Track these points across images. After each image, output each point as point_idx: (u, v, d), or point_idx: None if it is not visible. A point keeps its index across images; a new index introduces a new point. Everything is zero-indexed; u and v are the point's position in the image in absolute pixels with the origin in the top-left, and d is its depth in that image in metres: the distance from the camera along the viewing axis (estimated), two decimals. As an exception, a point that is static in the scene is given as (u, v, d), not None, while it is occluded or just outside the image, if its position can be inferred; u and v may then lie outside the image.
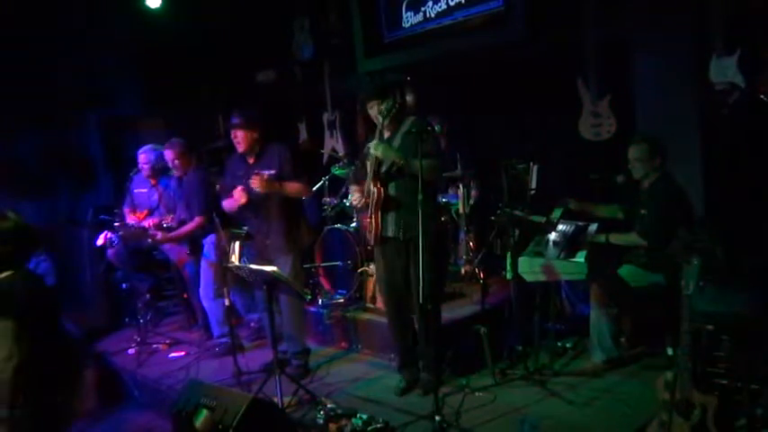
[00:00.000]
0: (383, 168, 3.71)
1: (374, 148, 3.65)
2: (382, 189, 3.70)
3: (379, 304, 4.72)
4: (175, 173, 5.18)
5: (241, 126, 4.20)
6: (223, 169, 4.67)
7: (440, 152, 3.82)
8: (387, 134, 3.80)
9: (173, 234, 5.04)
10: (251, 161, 4.29)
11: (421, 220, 3.35)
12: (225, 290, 4.35)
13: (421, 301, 3.35)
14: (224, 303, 4.51)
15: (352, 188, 4.04)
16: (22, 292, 2.98)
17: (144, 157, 5.32)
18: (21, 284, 3.00)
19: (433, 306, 3.68)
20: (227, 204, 4.30)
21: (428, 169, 3.49)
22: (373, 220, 3.74)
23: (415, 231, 3.43)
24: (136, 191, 5.40)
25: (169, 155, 5.07)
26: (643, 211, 3.81)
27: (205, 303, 4.97)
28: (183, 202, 5.08)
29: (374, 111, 3.75)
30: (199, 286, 5.11)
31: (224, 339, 4.78)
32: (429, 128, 3.64)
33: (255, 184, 4.06)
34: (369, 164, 3.77)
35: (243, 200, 4.18)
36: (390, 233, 3.76)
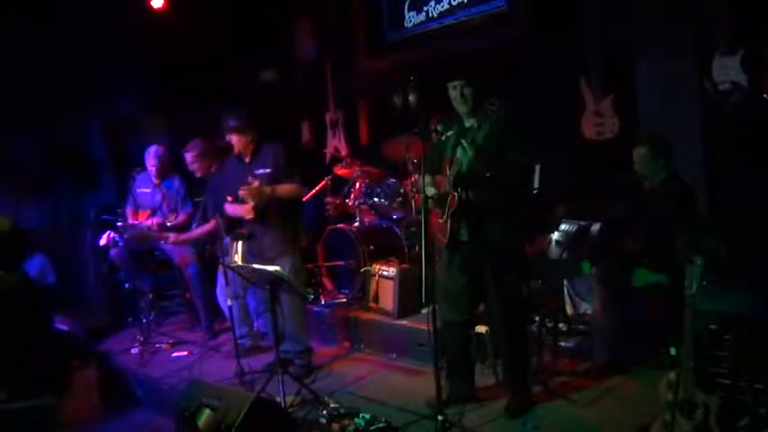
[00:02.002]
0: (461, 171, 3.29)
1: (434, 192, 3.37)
2: (461, 194, 3.32)
3: (381, 304, 4.73)
4: (197, 174, 5.10)
5: (234, 129, 4.24)
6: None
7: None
8: (468, 123, 3.45)
9: (188, 234, 4.99)
10: (247, 161, 4.33)
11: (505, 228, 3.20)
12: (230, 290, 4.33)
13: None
14: (238, 305, 4.52)
15: (428, 180, 3.53)
16: (14, 292, 3.01)
17: (153, 155, 5.33)
18: (14, 284, 3.03)
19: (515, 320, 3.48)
20: (232, 210, 4.32)
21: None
22: (448, 224, 3.42)
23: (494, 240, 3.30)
24: (138, 191, 5.39)
25: (188, 157, 5.01)
26: (649, 212, 3.80)
27: (222, 304, 4.85)
28: (211, 202, 4.89)
29: (457, 92, 3.38)
30: (200, 286, 5.11)
31: (242, 341, 4.65)
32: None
33: (245, 195, 4.10)
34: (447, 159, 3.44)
35: (250, 215, 4.21)
36: (465, 238, 3.42)
